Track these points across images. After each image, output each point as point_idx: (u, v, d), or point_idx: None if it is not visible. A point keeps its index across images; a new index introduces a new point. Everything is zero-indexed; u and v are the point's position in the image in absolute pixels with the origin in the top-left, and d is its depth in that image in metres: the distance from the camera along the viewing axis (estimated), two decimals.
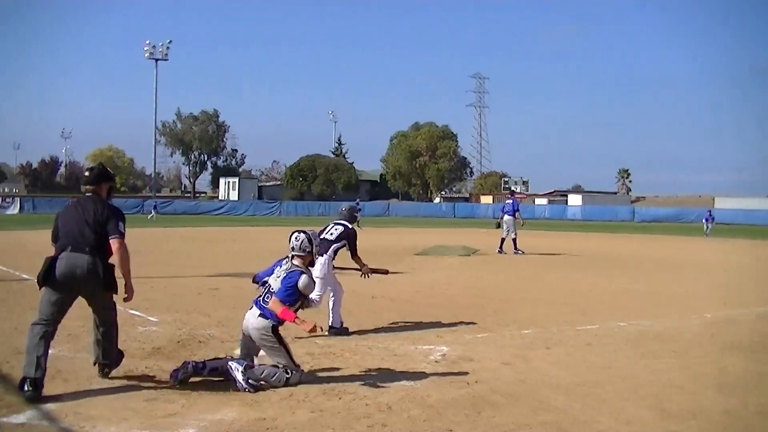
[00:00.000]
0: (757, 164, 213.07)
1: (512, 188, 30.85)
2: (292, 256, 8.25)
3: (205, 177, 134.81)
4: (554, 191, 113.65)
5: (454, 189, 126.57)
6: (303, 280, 7.94)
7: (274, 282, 8.00)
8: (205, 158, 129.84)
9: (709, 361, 9.42)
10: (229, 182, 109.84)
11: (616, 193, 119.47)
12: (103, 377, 7.76)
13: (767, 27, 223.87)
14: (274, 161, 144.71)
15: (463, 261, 24.36)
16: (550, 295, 15.30)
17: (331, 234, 11.06)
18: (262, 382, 7.54)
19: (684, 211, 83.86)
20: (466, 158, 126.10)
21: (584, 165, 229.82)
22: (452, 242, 30.98)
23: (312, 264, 8.61)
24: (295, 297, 7.91)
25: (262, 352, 7.97)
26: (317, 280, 9.70)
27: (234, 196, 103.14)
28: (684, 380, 8.37)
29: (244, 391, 7.40)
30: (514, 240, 26.95)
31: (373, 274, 11.37)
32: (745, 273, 22.77)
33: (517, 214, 27.09)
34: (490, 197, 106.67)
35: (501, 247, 27.11)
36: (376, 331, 11.03)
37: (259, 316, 7.83)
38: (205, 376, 7.64)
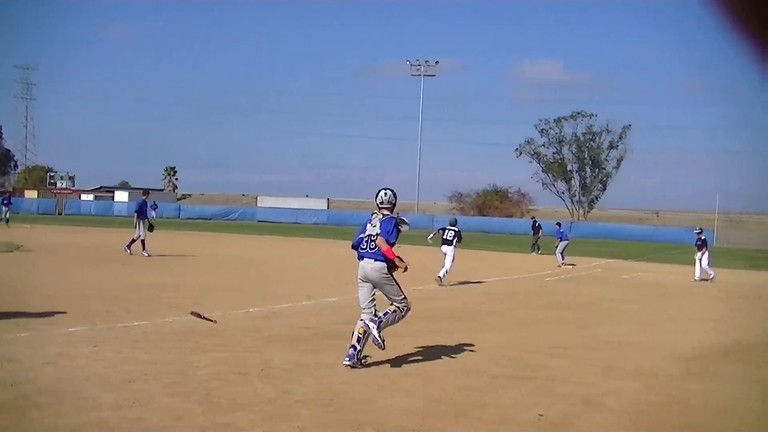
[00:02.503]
0: (297, 166, 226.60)
1: (146, 189, 28.84)
2: (381, 208, 9.74)
3: None
4: (101, 187, 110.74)
5: None
6: (400, 222, 9.69)
7: (373, 230, 9.53)
8: None
9: (253, 353, 9.77)
10: None
11: (162, 190, 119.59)
12: None
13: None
14: None
15: (4, 258, 22.79)
16: (97, 292, 14.85)
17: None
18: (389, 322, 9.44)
19: (229, 209, 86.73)
20: (10, 151, 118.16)
21: (131, 161, 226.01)
22: None
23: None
24: (396, 236, 9.48)
25: None
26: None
27: None
28: (231, 373, 8.57)
29: (376, 344, 9.18)
30: (143, 241, 25.40)
31: None
32: (289, 269, 24.03)
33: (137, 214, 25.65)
34: (35, 192, 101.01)
35: (129, 245, 25.51)
36: None
37: (375, 261, 9.33)
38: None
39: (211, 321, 12.00)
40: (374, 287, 9.50)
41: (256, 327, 11.95)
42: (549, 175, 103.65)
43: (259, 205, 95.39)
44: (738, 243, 70.09)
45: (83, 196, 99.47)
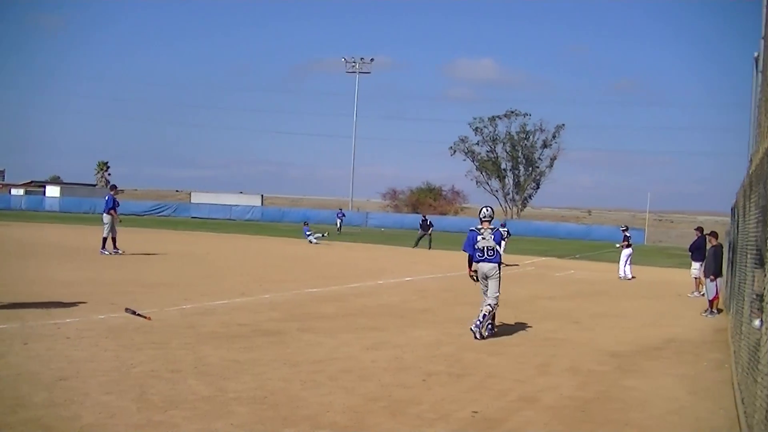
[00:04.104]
0: (231, 162, 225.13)
1: (113, 184, 27.15)
2: (483, 221, 12.78)
3: None
4: (32, 182, 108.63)
5: None
6: (502, 233, 13.36)
7: (487, 242, 12.55)
8: None
9: (189, 351, 9.67)
10: None
11: (95, 185, 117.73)
12: None
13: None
14: None
15: None
16: (28, 288, 14.52)
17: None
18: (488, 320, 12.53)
19: (162, 205, 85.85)
20: None
21: (63, 156, 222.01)
22: None
23: None
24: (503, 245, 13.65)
25: None
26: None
27: None
28: (165, 370, 8.49)
29: (490, 331, 12.56)
30: (114, 239, 24.73)
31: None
32: (223, 266, 23.81)
33: (112, 211, 24.68)
34: None
35: (104, 246, 24.75)
36: None
37: (490, 263, 12.52)
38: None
39: (146, 318, 11.86)
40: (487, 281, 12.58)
41: (191, 324, 11.82)
42: (483, 173, 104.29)
43: (192, 201, 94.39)
44: (668, 242, 71.68)
45: (13, 191, 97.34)
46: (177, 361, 9.02)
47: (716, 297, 17.86)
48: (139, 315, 11.99)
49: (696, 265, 21.47)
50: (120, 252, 24.50)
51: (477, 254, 12.59)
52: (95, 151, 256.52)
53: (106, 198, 25.36)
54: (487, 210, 13.01)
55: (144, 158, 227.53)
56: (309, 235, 39.28)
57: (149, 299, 14.12)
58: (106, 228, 24.69)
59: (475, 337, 12.01)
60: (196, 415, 6.78)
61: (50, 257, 22.64)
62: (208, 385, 7.93)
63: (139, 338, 10.27)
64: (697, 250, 21.36)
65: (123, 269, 20.02)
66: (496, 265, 12.58)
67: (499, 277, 12.63)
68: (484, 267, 12.57)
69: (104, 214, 24.96)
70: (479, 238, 12.59)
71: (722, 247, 18.65)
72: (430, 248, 39.71)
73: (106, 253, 24.41)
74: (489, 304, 12.38)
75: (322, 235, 39.79)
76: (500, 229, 13.32)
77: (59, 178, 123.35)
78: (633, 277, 27.32)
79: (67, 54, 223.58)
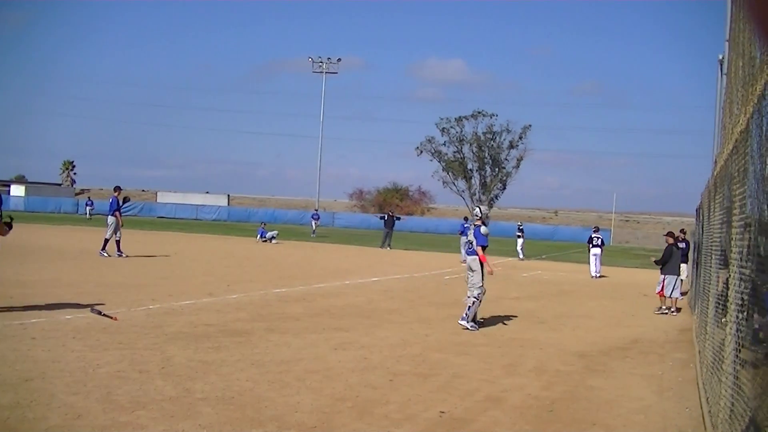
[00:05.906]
0: (197, 162, 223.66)
1: (117, 185, 26.75)
2: (476, 218, 14.18)
3: None
4: None
5: None
6: (483, 229, 13.92)
7: (470, 237, 13.91)
8: None
9: (155, 351, 9.62)
10: None
11: (60, 184, 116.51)
12: None
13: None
14: None
15: None
16: None
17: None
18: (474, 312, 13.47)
19: (128, 204, 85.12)
20: None
21: (28, 155, 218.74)
22: None
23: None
24: (486, 239, 13.94)
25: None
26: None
27: None
28: (131, 371, 8.44)
29: (473, 329, 13.29)
30: (117, 242, 24.68)
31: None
32: (189, 266, 23.68)
33: (117, 213, 24.75)
34: None
35: (104, 248, 24.63)
36: None
37: (470, 255, 13.76)
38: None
39: (112, 318, 11.78)
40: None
41: (157, 324, 11.76)
42: (449, 173, 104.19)
43: (159, 200, 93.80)
44: (634, 242, 72.37)
45: None
46: (143, 361, 8.98)
47: (661, 293, 18.22)
48: (105, 315, 11.91)
49: (683, 267, 21.69)
50: (123, 255, 24.41)
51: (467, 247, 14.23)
52: (60, 151, 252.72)
53: (111, 200, 25.46)
54: (480, 210, 14.64)
55: (110, 158, 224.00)
56: (265, 234, 40.13)
57: (115, 299, 14.02)
58: (110, 230, 24.80)
59: (467, 328, 13.25)
60: (162, 416, 6.75)
61: (14, 257, 22.37)
62: (174, 385, 7.91)
63: (106, 339, 10.20)
64: (684, 254, 21.62)
65: (88, 269, 19.86)
66: (476, 257, 13.73)
67: (480, 270, 13.65)
68: (468, 259, 13.95)
69: (109, 216, 25.13)
70: (468, 232, 14.39)
71: (677, 247, 18.92)
72: (390, 248, 39.93)
73: (105, 255, 24.30)
74: (473, 296, 13.47)
75: (273, 237, 39.95)
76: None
77: (24, 177, 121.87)
78: (602, 276, 28.09)
79: (31, 52, 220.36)
